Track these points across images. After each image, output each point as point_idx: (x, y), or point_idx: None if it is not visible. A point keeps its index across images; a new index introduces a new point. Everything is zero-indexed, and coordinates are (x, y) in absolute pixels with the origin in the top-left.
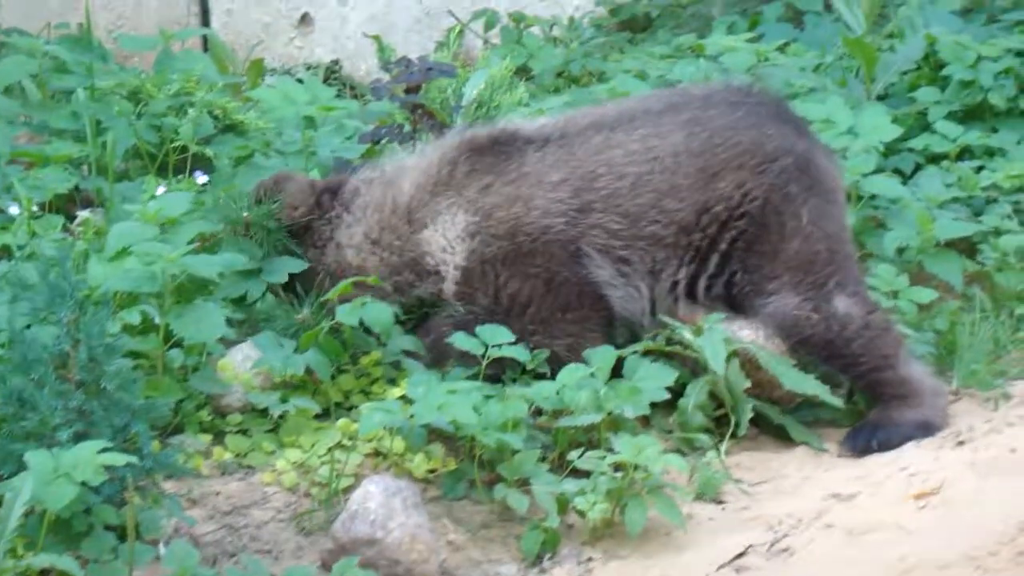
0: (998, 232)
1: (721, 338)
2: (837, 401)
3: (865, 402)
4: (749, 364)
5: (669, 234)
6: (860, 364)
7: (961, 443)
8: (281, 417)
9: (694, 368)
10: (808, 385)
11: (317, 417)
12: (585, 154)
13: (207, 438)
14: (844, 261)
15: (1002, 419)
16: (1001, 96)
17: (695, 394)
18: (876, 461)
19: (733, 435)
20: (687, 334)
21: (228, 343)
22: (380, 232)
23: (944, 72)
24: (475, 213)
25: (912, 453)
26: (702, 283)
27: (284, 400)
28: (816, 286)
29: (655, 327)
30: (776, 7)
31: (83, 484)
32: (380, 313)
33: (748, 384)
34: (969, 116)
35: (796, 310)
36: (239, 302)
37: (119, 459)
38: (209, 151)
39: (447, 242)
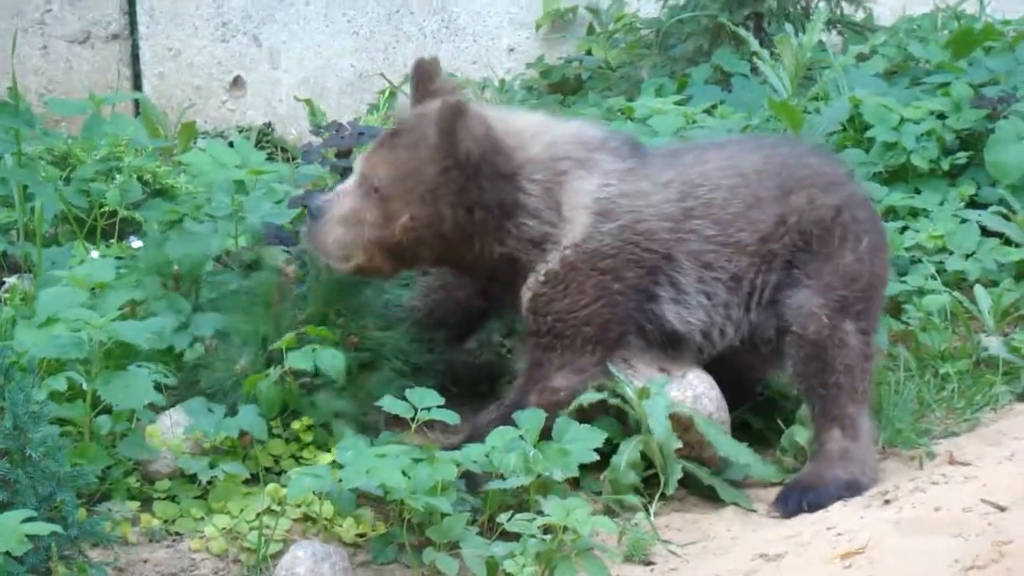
0: (922, 292)
1: (666, 405)
2: (768, 471)
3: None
4: (679, 425)
5: (753, 241)
6: (832, 387)
7: (887, 502)
8: (210, 483)
9: (626, 424)
10: (741, 454)
11: (246, 482)
12: (685, 165)
13: (135, 505)
14: (874, 299)
15: (927, 478)
16: (923, 158)
17: (628, 453)
18: (804, 520)
19: (662, 496)
20: (630, 391)
21: (158, 408)
22: None
23: (868, 134)
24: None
25: (839, 512)
26: (768, 291)
27: (213, 465)
28: (843, 301)
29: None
30: (704, 69)
31: (7, 554)
32: (332, 359)
33: (679, 445)
34: (893, 177)
35: (816, 308)
36: (169, 353)
37: (43, 528)
38: (139, 216)
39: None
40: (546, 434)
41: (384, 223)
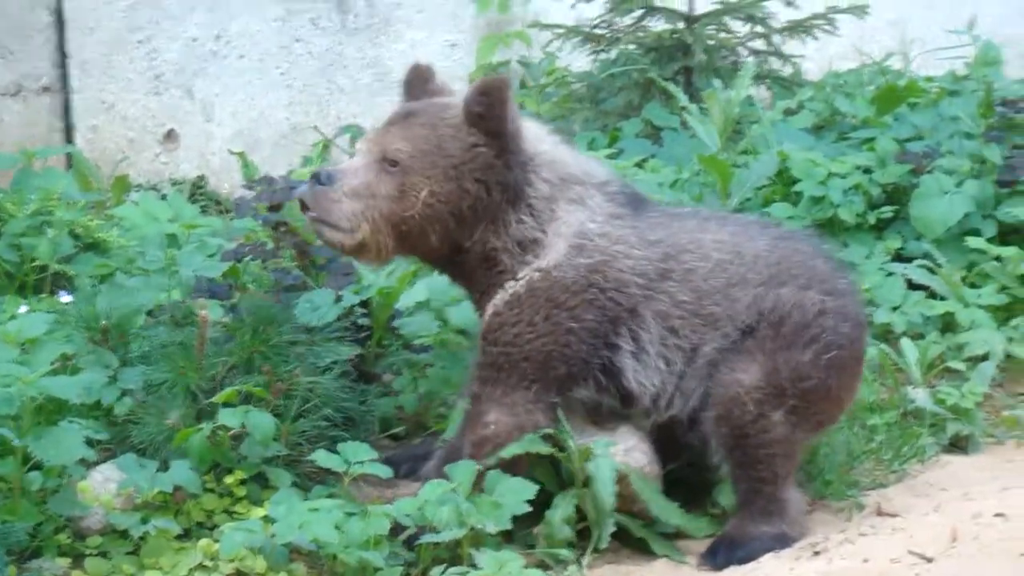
0: None
1: (612, 467)
2: (698, 526)
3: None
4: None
5: (723, 317)
6: (755, 469)
7: (817, 553)
8: (142, 538)
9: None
10: (674, 515)
11: (179, 538)
12: (681, 229)
13: (66, 562)
14: (818, 408)
15: (855, 529)
16: (850, 211)
17: (563, 508)
18: (735, 572)
19: (595, 548)
20: (572, 445)
21: (89, 464)
22: None
23: (796, 188)
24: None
25: (770, 564)
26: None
27: (145, 521)
28: (780, 392)
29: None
30: (635, 123)
31: None
32: (262, 420)
33: (614, 499)
34: (821, 230)
35: (748, 389)
36: (100, 409)
37: None
38: (70, 270)
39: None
40: (479, 477)
41: (401, 197)
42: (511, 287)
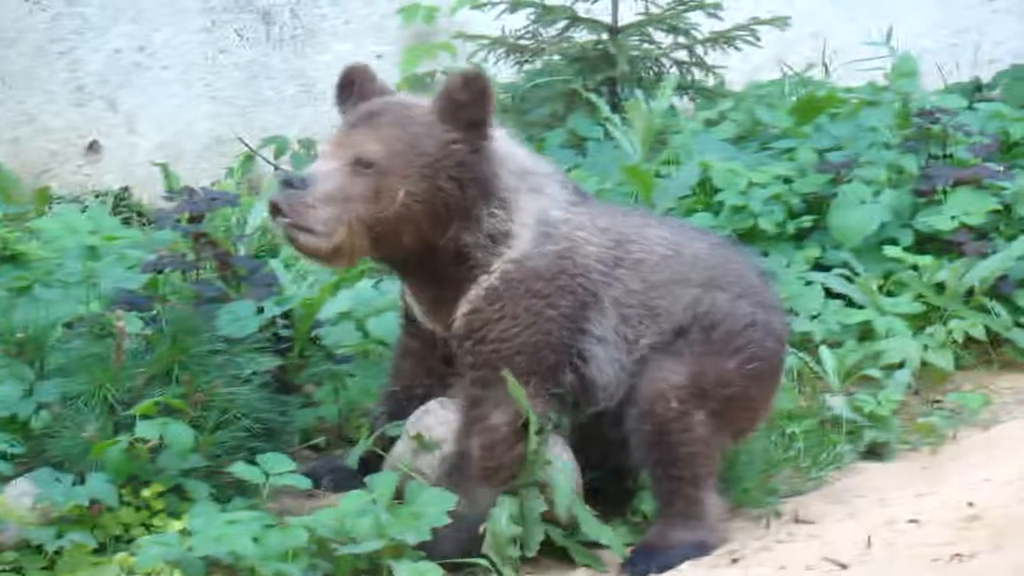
0: None
1: (570, 476)
2: (616, 538)
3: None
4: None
5: (664, 313)
6: (675, 467)
7: (734, 561)
8: (57, 553)
9: None
10: (604, 535)
11: (95, 552)
12: (624, 221)
13: None
14: (737, 414)
15: (773, 537)
16: (770, 221)
17: (508, 506)
18: None
19: (523, 557)
20: (534, 446)
21: (4, 478)
22: None
23: (717, 197)
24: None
25: (688, 572)
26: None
27: (60, 535)
28: (703, 394)
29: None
30: (559, 134)
31: None
32: (180, 432)
33: (544, 508)
34: (742, 240)
35: (674, 387)
36: (15, 422)
37: None
38: None
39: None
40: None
41: (376, 198)
42: (485, 281)
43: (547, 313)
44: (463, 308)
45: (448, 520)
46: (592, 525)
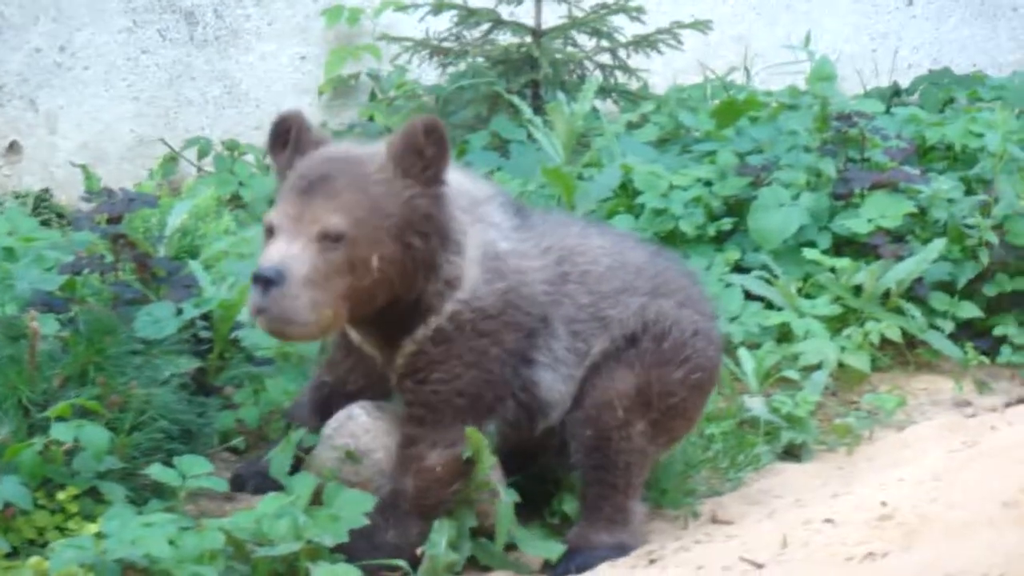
0: None
1: (511, 506)
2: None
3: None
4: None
5: (615, 322)
6: (610, 474)
7: (652, 562)
8: None
9: None
10: (544, 551)
11: (8, 556)
12: (566, 234)
13: None
14: (673, 428)
15: (691, 537)
16: (691, 223)
17: (447, 531)
18: None
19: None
20: (482, 474)
21: None
22: None
23: (639, 200)
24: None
25: (607, 573)
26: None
27: None
28: (647, 405)
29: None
30: (482, 136)
31: None
32: (96, 434)
33: (474, 524)
34: (663, 242)
35: (624, 391)
36: None
37: None
38: None
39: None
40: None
41: (351, 271)
42: (434, 322)
43: (491, 352)
44: (408, 348)
45: (366, 522)
46: (531, 545)
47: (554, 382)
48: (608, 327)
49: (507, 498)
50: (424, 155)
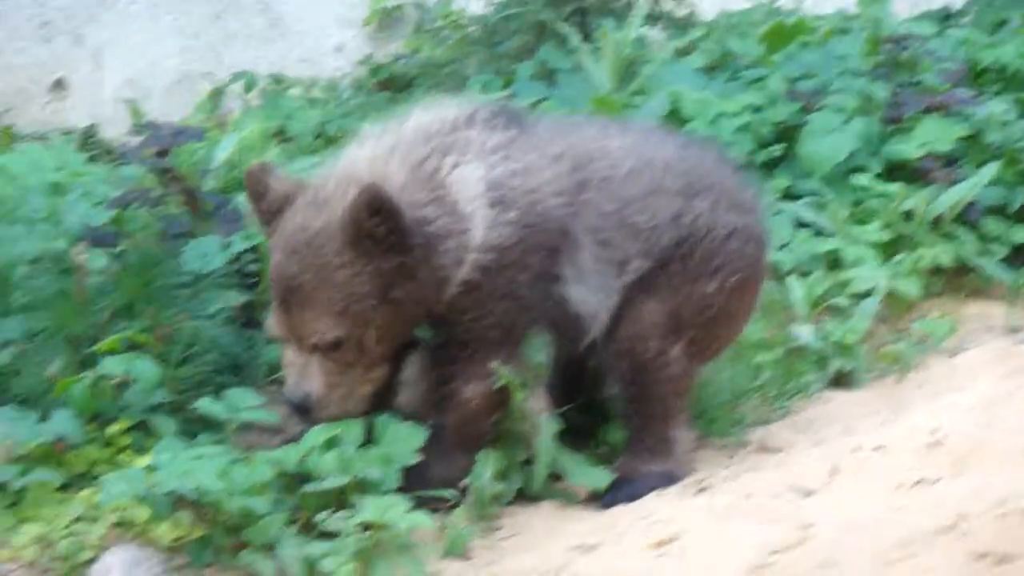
0: None
1: (552, 434)
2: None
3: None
4: None
5: (646, 228)
6: (649, 405)
7: (701, 490)
8: (22, 491)
9: None
10: (590, 478)
11: (60, 489)
12: (579, 137)
13: None
14: (717, 335)
15: (739, 466)
16: (740, 150)
17: (493, 463)
18: (620, 511)
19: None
20: (520, 401)
21: None
22: None
23: (688, 127)
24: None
25: (655, 501)
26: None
27: (25, 473)
28: (680, 324)
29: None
30: (529, 66)
31: None
32: (146, 367)
33: (523, 458)
34: None
35: (655, 321)
36: None
37: None
38: None
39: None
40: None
41: (362, 355)
42: (457, 277)
43: (519, 279)
44: (438, 308)
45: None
46: (579, 474)
47: (585, 294)
48: (639, 235)
49: (547, 426)
50: (375, 235)
